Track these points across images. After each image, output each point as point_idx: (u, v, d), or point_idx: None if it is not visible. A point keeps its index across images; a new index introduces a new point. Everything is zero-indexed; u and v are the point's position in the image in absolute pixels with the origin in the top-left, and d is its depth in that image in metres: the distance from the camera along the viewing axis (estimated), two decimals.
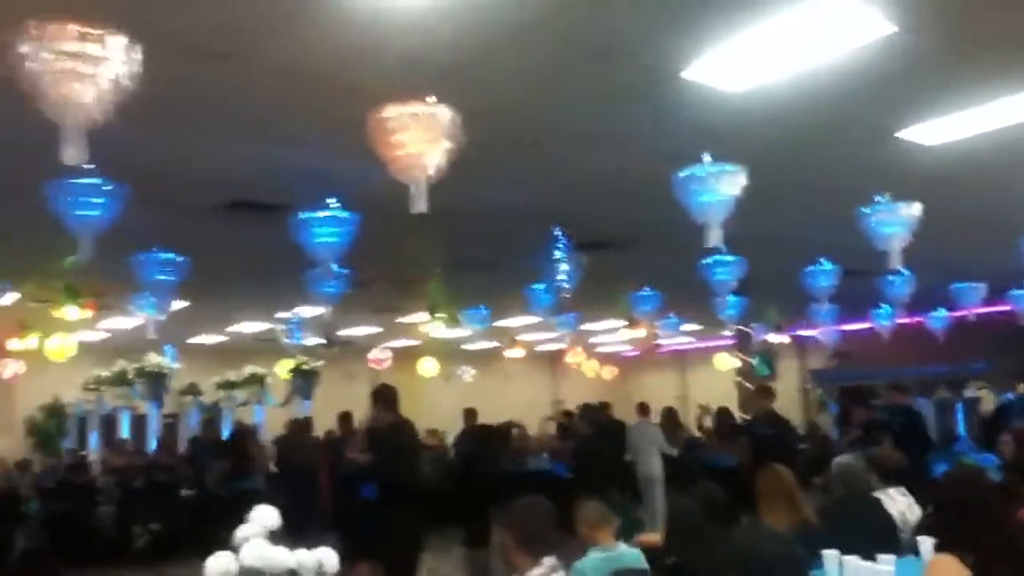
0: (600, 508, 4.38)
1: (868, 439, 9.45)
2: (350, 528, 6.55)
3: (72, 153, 3.29)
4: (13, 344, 13.40)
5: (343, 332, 15.74)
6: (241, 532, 2.75)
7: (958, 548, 3.16)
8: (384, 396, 6.65)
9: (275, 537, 2.77)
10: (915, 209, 6.45)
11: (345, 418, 11.61)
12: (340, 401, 12.17)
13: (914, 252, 6.64)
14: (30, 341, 12.90)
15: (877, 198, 6.51)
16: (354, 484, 7.04)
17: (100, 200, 5.17)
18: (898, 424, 9.87)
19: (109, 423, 16.58)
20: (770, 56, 4.67)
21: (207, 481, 11.80)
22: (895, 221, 6.43)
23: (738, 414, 12.41)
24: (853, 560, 4.21)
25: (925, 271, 9.07)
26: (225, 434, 15.82)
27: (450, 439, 15.59)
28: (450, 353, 19.67)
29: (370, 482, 6.83)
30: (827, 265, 9.03)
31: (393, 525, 6.05)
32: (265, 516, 2.80)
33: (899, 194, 6.50)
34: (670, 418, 12.68)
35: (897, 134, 6.00)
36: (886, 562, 4.09)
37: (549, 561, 3.45)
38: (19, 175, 5.97)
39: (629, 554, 4.27)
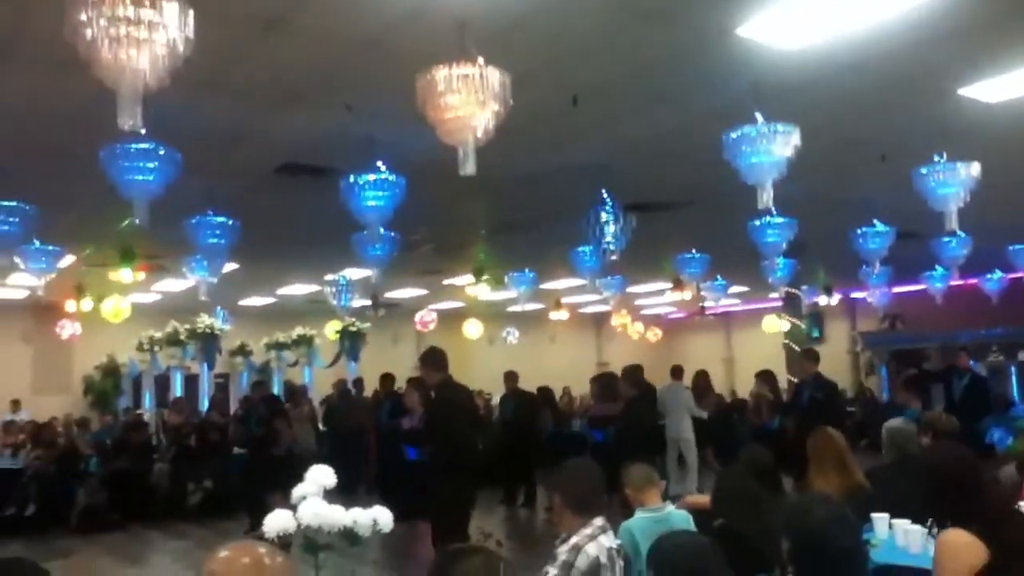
0: (646, 470, 4.39)
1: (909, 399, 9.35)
2: (399, 488, 6.64)
3: (128, 119, 3.33)
4: (70, 306, 13.73)
5: (389, 294, 15.87)
6: (298, 491, 2.82)
7: (962, 524, 3.04)
8: (435, 359, 6.70)
9: (328, 495, 2.83)
10: (974, 169, 6.28)
11: (386, 379, 11.76)
12: (386, 362, 12.34)
13: (970, 213, 6.49)
14: (86, 303, 13.22)
15: (935, 158, 6.36)
16: (400, 446, 7.13)
17: (154, 165, 5.26)
18: (963, 386, 9.71)
19: (162, 383, 16.98)
20: (827, 12, 4.55)
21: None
22: (953, 181, 6.28)
23: (785, 377, 12.28)
24: (904, 523, 4.18)
25: (981, 232, 8.85)
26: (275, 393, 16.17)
27: (495, 401, 15.74)
28: (495, 315, 19.75)
29: (414, 445, 6.90)
30: (880, 227, 8.84)
31: (445, 485, 6.11)
32: (321, 475, 2.86)
33: (957, 154, 6.34)
34: (701, 381, 12.66)
35: (959, 91, 5.83)
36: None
37: (598, 522, 3.50)
38: (75, 141, 6.09)
39: (677, 516, 4.29)
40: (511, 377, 12.28)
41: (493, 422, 13.33)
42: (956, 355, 10.53)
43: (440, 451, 6.18)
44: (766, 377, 10.95)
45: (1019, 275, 10.97)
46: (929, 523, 3.68)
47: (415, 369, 17.16)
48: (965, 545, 3.00)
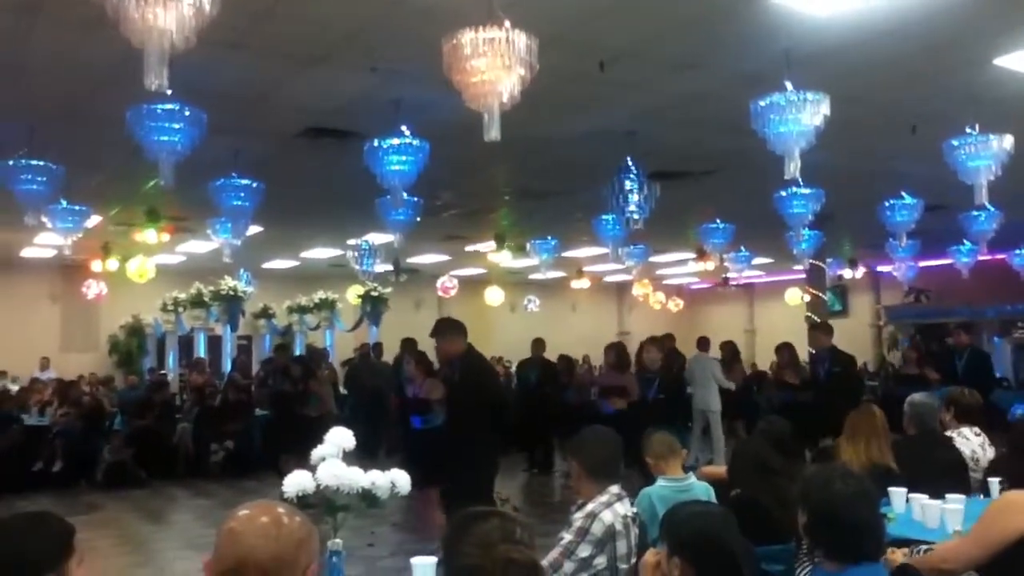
0: (668, 439, 4.39)
1: (921, 376, 9.31)
2: (421, 452, 6.67)
3: (154, 79, 3.33)
4: (96, 266, 13.88)
5: (412, 260, 15.91)
6: (318, 452, 2.84)
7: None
8: (458, 327, 6.70)
9: (348, 458, 2.86)
10: (1006, 142, 6.17)
11: (408, 343, 11.82)
12: (407, 328, 12.35)
13: (1001, 186, 6.39)
14: (112, 263, 13.36)
15: (967, 129, 6.24)
16: (409, 413, 7.15)
17: (179, 126, 5.28)
18: (963, 363, 9.67)
19: (186, 344, 17.17)
20: None
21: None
22: (984, 154, 6.17)
23: (807, 350, 12.23)
24: (921, 498, 4.17)
25: (1011, 206, 8.72)
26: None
27: (515, 368, 15.79)
28: (517, 283, 19.76)
29: (420, 413, 6.92)
30: (908, 199, 8.73)
31: (466, 450, 6.12)
32: (341, 437, 2.88)
33: (990, 125, 6.22)
34: (729, 352, 12.63)
35: (995, 61, 5.71)
36: (955, 501, 4.05)
37: (614, 489, 3.51)
38: (102, 101, 6.12)
39: (698, 487, 4.29)
40: (538, 344, 12.31)
41: (513, 389, 13.40)
42: (957, 333, 10.44)
43: (471, 416, 6.19)
44: (787, 348, 10.87)
45: None
46: (1001, 483, 3.72)
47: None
48: (1017, 505, 3.06)
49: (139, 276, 12.83)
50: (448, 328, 6.66)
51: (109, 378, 14.90)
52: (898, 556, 3.30)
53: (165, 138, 5.29)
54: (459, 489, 6.43)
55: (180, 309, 16.49)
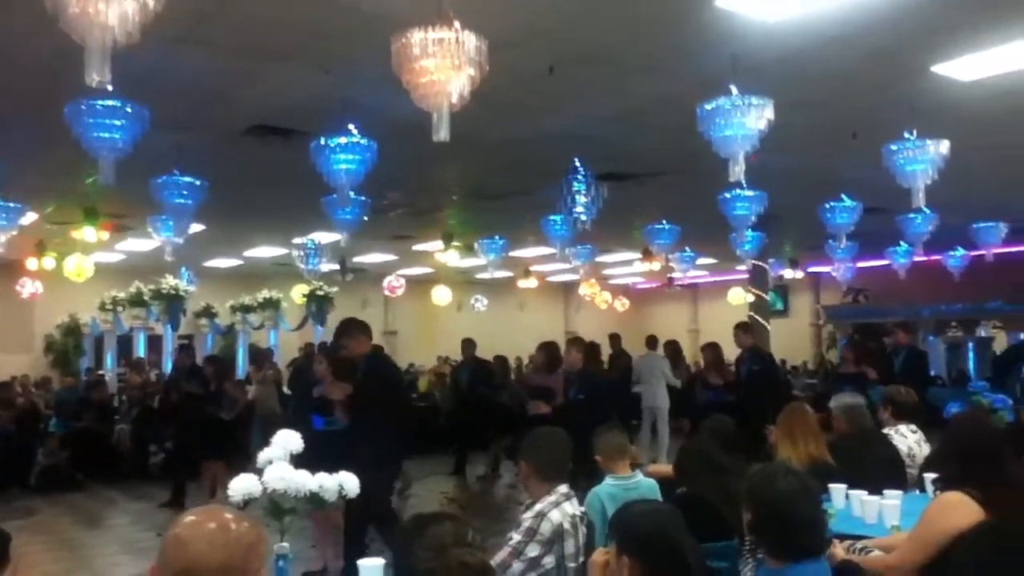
0: (618, 438, 4.43)
1: (859, 375, 9.51)
2: (320, 453, 6.55)
3: (95, 75, 3.25)
4: (31, 264, 13.50)
5: (358, 259, 15.78)
6: (264, 455, 2.81)
7: (967, 488, 3.23)
8: (363, 328, 6.64)
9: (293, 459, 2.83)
10: (943, 147, 6.34)
11: (322, 343, 11.56)
12: None
13: (937, 190, 6.57)
14: (48, 261, 13.00)
15: (905, 135, 6.41)
16: (313, 413, 7.03)
17: (121, 123, 5.16)
18: (901, 362, 9.92)
19: (125, 343, 16.80)
20: None
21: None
22: (922, 158, 6.34)
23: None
24: (860, 494, 4.28)
25: (946, 209, 8.98)
26: (240, 356, 16.08)
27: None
28: (464, 282, 19.74)
29: (322, 414, 6.84)
30: (848, 201, 8.93)
31: (365, 451, 6.03)
32: (287, 440, 2.86)
33: (928, 131, 6.39)
34: (674, 351, 12.79)
35: (932, 68, 5.87)
36: (893, 496, 4.16)
37: (562, 489, 3.55)
38: (41, 95, 5.96)
39: (645, 484, 4.34)
40: (469, 345, 12.25)
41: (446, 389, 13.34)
42: (896, 332, 10.70)
43: (376, 420, 6.13)
44: (711, 348, 10.99)
45: (981, 252, 11.13)
46: (934, 482, 3.82)
47: (384, 336, 17.16)
48: (955, 506, 3.17)
49: (77, 275, 12.49)
50: (353, 328, 6.61)
51: (45, 379, 14.51)
52: (839, 550, 3.37)
53: (106, 135, 5.17)
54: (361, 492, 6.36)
55: (119, 308, 16.14)
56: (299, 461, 6.26)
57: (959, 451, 3.49)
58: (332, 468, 6.00)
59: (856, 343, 12.75)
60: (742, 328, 9.90)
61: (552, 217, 9.17)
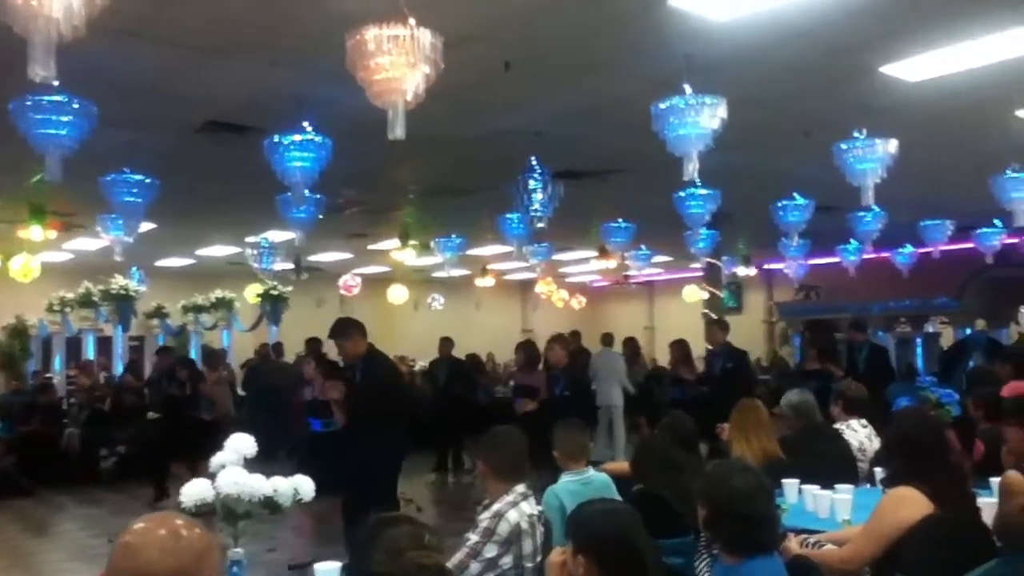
0: (579, 436, 4.45)
1: (824, 371, 9.65)
2: (321, 455, 6.56)
3: (39, 70, 3.17)
4: None
5: (314, 258, 15.63)
6: (217, 459, 2.76)
7: (914, 483, 3.30)
8: (359, 327, 6.60)
9: (247, 461, 2.78)
10: (891, 146, 6.47)
11: (311, 343, 11.59)
12: (309, 327, 12.13)
13: (886, 188, 6.69)
14: None
15: (855, 134, 6.52)
16: (309, 416, 7.01)
17: (68, 119, 5.04)
18: (864, 358, 10.07)
19: (74, 345, 16.46)
20: None
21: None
22: (871, 157, 6.46)
23: (704, 346, 12.57)
24: (812, 489, 4.35)
25: (895, 207, 9.15)
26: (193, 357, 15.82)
27: (418, 367, 15.73)
28: (421, 281, 19.66)
29: (318, 416, 6.81)
30: (800, 200, 9.06)
31: (369, 453, 6.04)
32: (241, 444, 2.81)
33: (877, 130, 6.51)
34: (632, 348, 12.87)
35: (881, 69, 5.97)
36: (844, 491, 4.23)
37: (520, 488, 3.55)
38: None
39: (599, 480, 4.36)
40: (447, 343, 12.25)
41: (419, 388, 13.33)
42: (850, 332, 10.88)
43: (376, 420, 6.11)
44: (680, 345, 11.09)
45: (928, 250, 11.37)
46: (882, 480, 3.89)
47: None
48: (907, 500, 3.24)
49: (23, 275, 12.18)
50: (349, 328, 6.55)
51: None
52: (793, 544, 3.42)
53: (52, 131, 5.04)
54: (363, 493, 6.37)
55: (67, 309, 15.80)
56: (300, 463, 6.23)
57: (903, 447, 3.57)
58: (334, 468, 5.99)
59: (820, 340, 12.88)
60: (718, 325, 9.99)
61: (509, 215, 9.17)
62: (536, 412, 8.10)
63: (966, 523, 3.35)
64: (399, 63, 3.99)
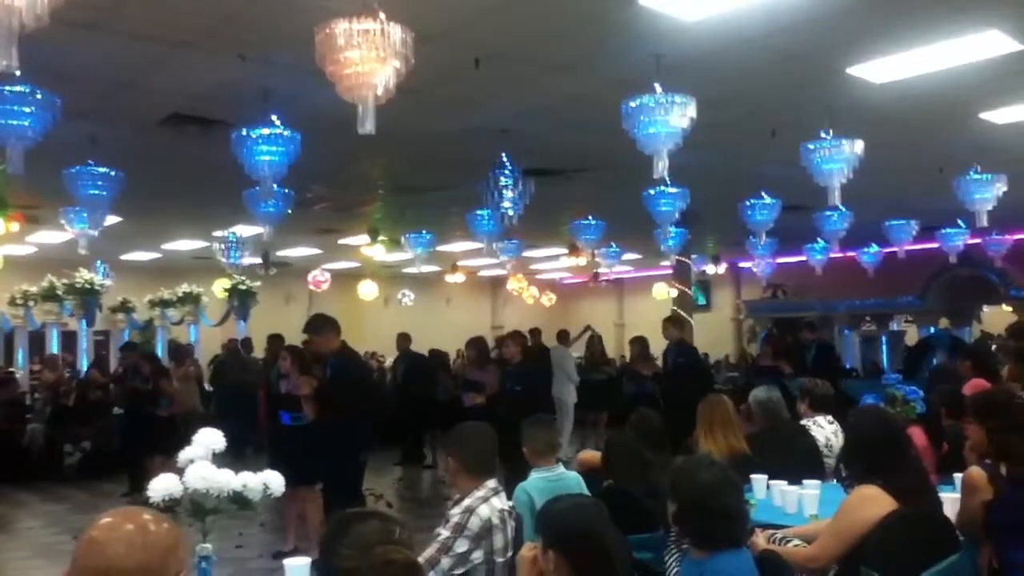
0: (548, 433, 4.46)
1: (775, 368, 9.79)
2: (286, 452, 6.55)
3: (1, 59, 3.11)
4: None
5: (282, 253, 15.51)
6: (185, 454, 2.73)
7: (875, 481, 3.35)
8: (333, 324, 6.59)
9: (215, 457, 2.76)
10: (857, 147, 6.54)
11: (276, 339, 11.51)
12: (277, 323, 12.05)
13: (852, 188, 6.77)
14: None
15: (822, 134, 6.59)
16: (277, 409, 7.01)
17: (30, 110, 4.96)
18: (811, 356, 10.26)
19: (38, 340, 16.21)
20: None
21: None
22: (838, 158, 6.53)
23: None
24: (780, 484, 4.39)
25: (861, 207, 9.26)
26: (160, 351, 15.65)
27: (388, 363, 15.65)
28: (391, 277, 19.59)
29: (289, 409, 6.80)
30: (768, 199, 9.14)
31: (338, 448, 6.05)
32: (209, 438, 2.78)
33: (843, 131, 6.58)
34: (641, 348, 12.95)
35: (848, 70, 6.04)
36: (812, 486, 4.28)
37: (491, 483, 3.55)
38: None
39: (570, 477, 4.37)
40: (404, 339, 12.21)
41: (386, 384, 13.28)
42: (803, 330, 11.03)
43: (345, 415, 6.11)
44: (639, 341, 11.15)
45: (894, 249, 11.52)
46: (845, 478, 3.94)
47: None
48: (871, 499, 3.29)
49: None
50: (323, 325, 6.55)
51: None
52: (761, 540, 3.45)
53: (14, 122, 4.95)
54: (329, 488, 6.36)
55: (31, 303, 15.55)
56: (270, 455, 6.17)
57: (862, 446, 3.61)
58: (301, 461, 6.00)
59: (775, 337, 13.08)
60: (672, 321, 10.05)
61: (479, 212, 9.16)
62: (486, 407, 8.15)
63: (929, 518, 3.41)
64: (369, 57, 3.97)
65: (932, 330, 14.54)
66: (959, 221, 11.38)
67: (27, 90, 4.98)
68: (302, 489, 6.56)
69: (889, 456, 3.45)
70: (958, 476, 3.97)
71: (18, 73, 3.19)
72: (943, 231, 11.63)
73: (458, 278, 18.98)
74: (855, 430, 3.75)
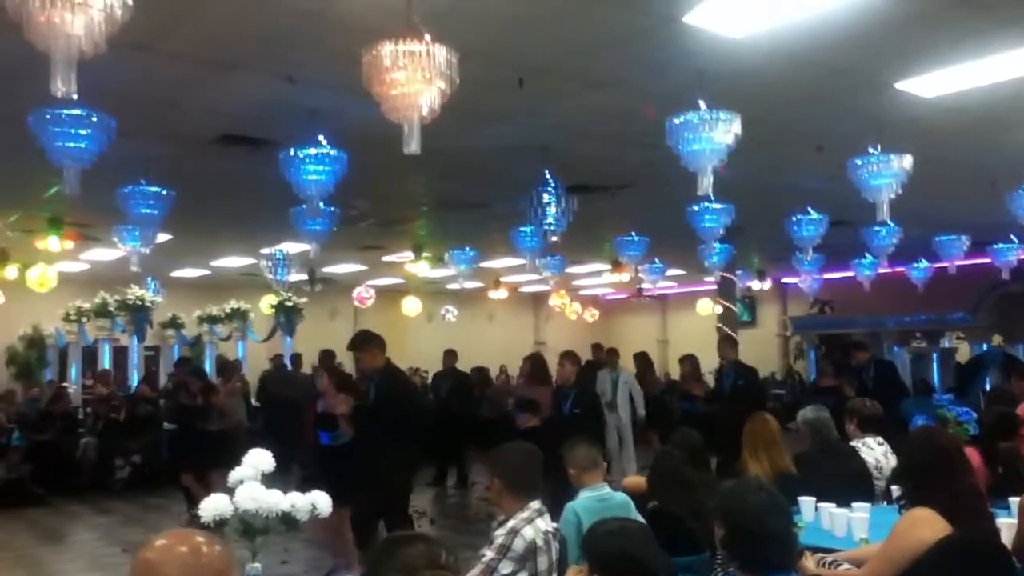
0: (591, 451, 4.43)
1: (837, 388, 9.59)
2: (329, 468, 6.57)
3: (61, 86, 3.20)
4: None
5: (327, 269, 15.69)
6: (235, 474, 2.77)
7: (929, 504, 3.28)
8: (379, 341, 6.62)
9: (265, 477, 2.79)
10: (906, 162, 6.44)
11: (326, 355, 11.62)
12: (323, 338, 12.19)
13: (901, 203, 6.67)
14: (10, 271, 12.76)
15: (870, 149, 6.50)
16: (319, 429, 7.03)
17: (86, 132, 5.09)
18: (871, 376, 10.02)
19: (90, 355, 16.55)
20: (772, 1, 4.60)
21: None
22: (886, 173, 6.43)
23: (719, 360, 12.54)
24: (829, 507, 4.32)
25: (910, 222, 9.11)
26: (208, 367, 15.90)
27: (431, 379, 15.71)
28: (434, 293, 19.69)
29: (327, 429, 6.83)
30: (814, 214, 9.03)
31: (384, 467, 6.05)
32: (258, 459, 2.82)
33: (892, 145, 6.49)
34: (642, 363, 12.85)
35: (896, 85, 5.96)
36: (861, 509, 4.20)
37: (535, 504, 3.53)
38: (5, 102, 5.85)
39: (618, 498, 4.34)
40: (450, 355, 12.23)
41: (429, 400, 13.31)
42: (853, 352, 10.77)
43: (391, 433, 6.13)
44: (689, 360, 11.01)
45: (943, 265, 11.30)
46: (900, 500, 3.87)
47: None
48: (924, 521, 3.22)
49: (40, 285, 12.29)
50: (367, 341, 6.57)
51: (8, 392, 14.22)
52: (811, 563, 3.40)
53: (71, 144, 5.09)
54: (374, 507, 6.37)
55: (84, 319, 15.89)
56: (307, 475, 6.21)
57: (913, 468, 3.54)
58: (340, 481, 6.02)
59: (835, 358, 12.79)
60: (728, 342, 9.94)
61: (522, 228, 9.18)
62: (539, 429, 8.01)
63: (982, 543, 3.32)
64: (415, 78, 4.00)
65: (984, 347, 14.23)
66: (1012, 235, 11.13)
67: (84, 113, 5.11)
68: (342, 509, 6.57)
69: (940, 478, 3.38)
70: (1014, 500, 3.87)
71: (75, 97, 3.27)
72: (995, 246, 11.38)
73: (501, 294, 19.01)
74: (906, 451, 3.69)
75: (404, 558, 1.88)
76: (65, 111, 5.06)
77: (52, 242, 10.03)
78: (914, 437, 3.85)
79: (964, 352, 15.34)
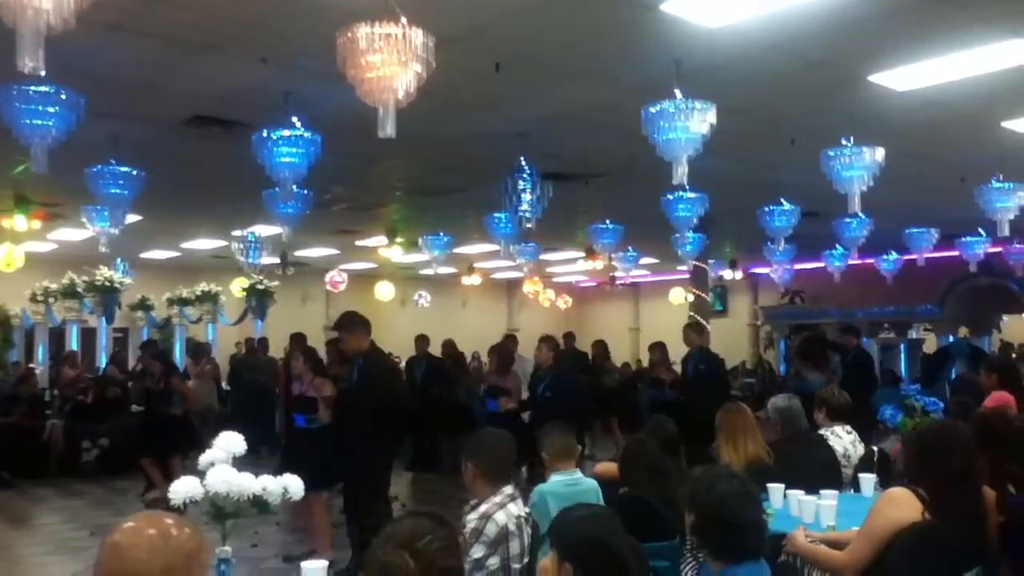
0: (566, 438, 4.45)
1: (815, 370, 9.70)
2: (304, 452, 6.54)
3: (28, 61, 3.14)
4: None
5: (300, 253, 15.58)
6: (205, 457, 2.75)
7: (914, 483, 3.33)
8: (364, 323, 6.56)
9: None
10: (878, 154, 6.50)
11: (300, 338, 11.55)
12: (294, 322, 12.10)
13: (872, 196, 6.73)
14: None
15: (843, 141, 6.55)
16: (294, 411, 6.99)
17: (54, 110, 5.00)
18: (850, 364, 10.13)
19: (57, 336, 16.34)
20: None
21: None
22: (858, 165, 6.49)
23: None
24: (797, 494, 4.37)
25: (880, 214, 9.20)
26: (178, 350, 15.77)
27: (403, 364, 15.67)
28: (407, 278, 19.63)
29: (302, 411, 6.80)
30: (787, 205, 9.10)
31: (364, 451, 6.03)
32: (229, 442, 2.80)
33: (864, 138, 6.55)
34: (599, 351, 12.94)
35: (869, 78, 6.00)
36: (829, 497, 4.26)
37: (508, 490, 3.55)
38: None
39: (587, 483, 4.37)
40: (423, 340, 12.20)
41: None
42: (844, 336, 10.92)
43: (374, 417, 6.09)
44: (659, 347, 11.07)
45: (913, 257, 11.44)
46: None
47: (324, 331, 17.11)
48: (896, 500, 3.28)
49: (6, 265, 12.07)
50: (353, 323, 6.50)
51: None
52: (800, 535, 3.48)
53: (38, 122, 5.00)
54: (354, 490, 6.35)
55: (51, 300, 15.68)
56: (283, 458, 6.18)
57: (915, 446, 3.59)
58: (316, 464, 5.98)
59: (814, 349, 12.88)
60: (693, 328, 9.99)
61: (496, 215, 9.16)
62: (514, 412, 8.08)
63: (951, 533, 3.35)
64: (390, 61, 3.97)
65: (951, 339, 14.43)
66: (980, 229, 11.29)
67: (52, 90, 5.03)
68: (312, 493, 6.55)
69: (928, 464, 3.40)
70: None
71: (43, 73, 3.21)
72: (964, 239, 11.53)
73: (475, 280, 18.98)
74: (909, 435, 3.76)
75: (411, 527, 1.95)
76: (33, 88, 4.97)
77: (19, 221, 9.87)
78: (931, 425, 3.94)
79: (931, 343, 15.55)
